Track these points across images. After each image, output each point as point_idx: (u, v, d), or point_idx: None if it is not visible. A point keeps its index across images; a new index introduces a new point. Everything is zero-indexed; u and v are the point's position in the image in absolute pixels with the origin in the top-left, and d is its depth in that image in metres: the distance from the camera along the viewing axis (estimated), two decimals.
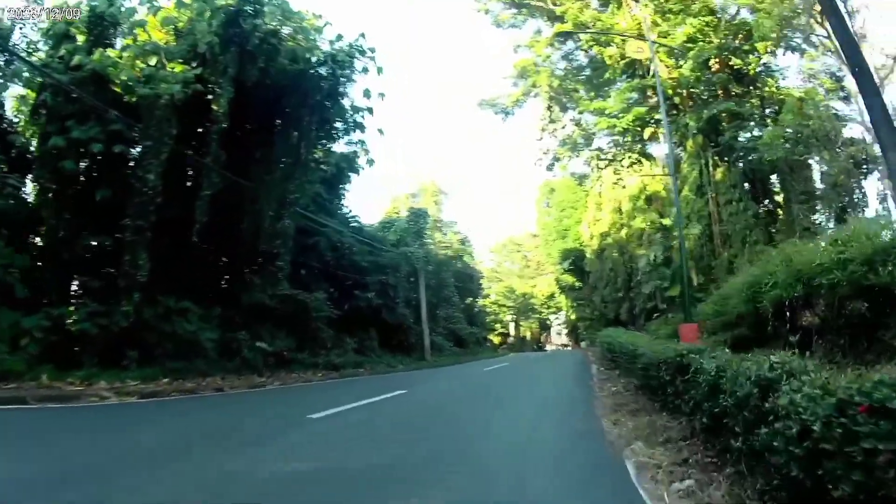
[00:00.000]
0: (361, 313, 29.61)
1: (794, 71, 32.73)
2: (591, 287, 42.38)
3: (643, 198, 35.29)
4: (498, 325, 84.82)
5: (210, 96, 15.39)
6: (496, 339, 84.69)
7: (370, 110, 20.87)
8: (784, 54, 28.65)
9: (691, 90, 28.00)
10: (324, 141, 21.85)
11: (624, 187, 37.06)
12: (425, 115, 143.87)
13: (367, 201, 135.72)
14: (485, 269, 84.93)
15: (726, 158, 26.43)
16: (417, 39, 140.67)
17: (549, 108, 44.77)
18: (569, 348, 77.28)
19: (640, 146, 40.19)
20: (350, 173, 31.34)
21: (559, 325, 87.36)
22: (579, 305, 50.41)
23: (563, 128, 44.61)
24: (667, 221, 27.50)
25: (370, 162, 21.21)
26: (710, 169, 27.70)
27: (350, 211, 32.67)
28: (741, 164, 26.82)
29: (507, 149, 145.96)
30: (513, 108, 41.31)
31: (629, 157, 39.21)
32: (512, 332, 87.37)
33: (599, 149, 44.30)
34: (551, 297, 78.38)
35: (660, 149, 38.10)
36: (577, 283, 50.55)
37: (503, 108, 41.61)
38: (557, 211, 51.25)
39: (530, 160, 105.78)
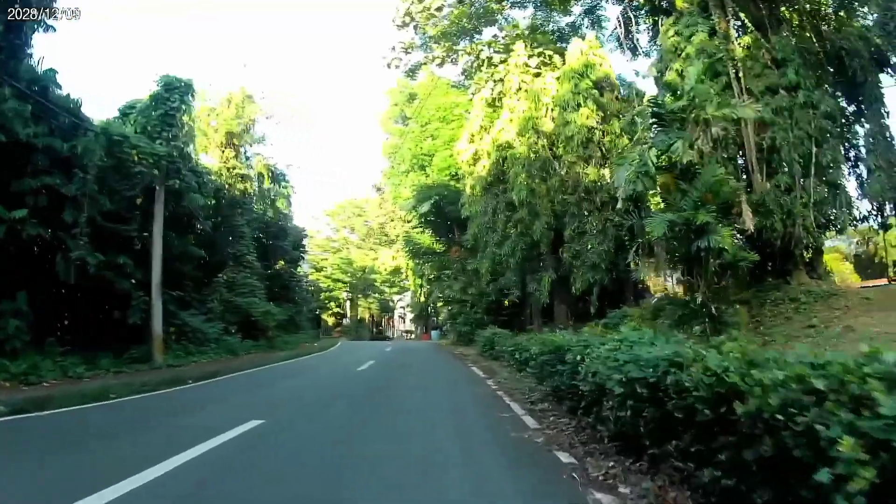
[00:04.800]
0: None
1: None
2: (468, 245, 27.82)
3: (590, 79, 21.61)
4: (333, 304, 69.29)
5: None
6: (330, 320, 69.55)
7: None
8: None
9: None
10: None
11: (550, 68, 23.39)
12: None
13: None
14: (320, 240, 68.62)
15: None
16: None
17: None
18: (412, 337, 63.70)
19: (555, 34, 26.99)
20: None
21: (404, 307, 73.70)
22: (440, 279, 35.51)
23: (440, 10, 30.03)
24: (673, 100, 13.82)
25: None
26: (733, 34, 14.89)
27: (40, 62, 15.58)
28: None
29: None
30: None
31: (537, 53, 25.65)
32: (348, 312, 72.15)
33: (494, 36, 30.55)
34: (396, 272, 64.13)
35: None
36: (437, 245, 35.62)
37: None
38: (419, 127, 34.96)
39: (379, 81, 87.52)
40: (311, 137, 75.49)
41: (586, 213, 20.82)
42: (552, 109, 22.97)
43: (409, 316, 69.48)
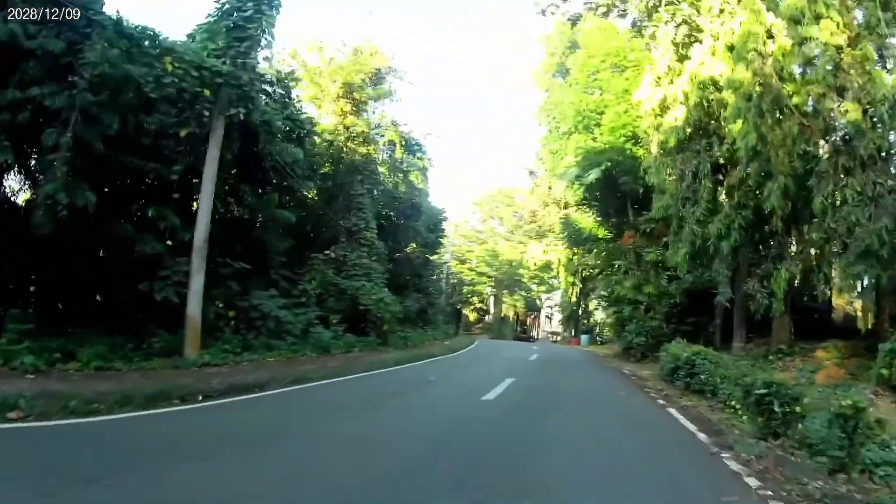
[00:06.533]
0: None
1: None
2: (647, 229, 19.99)
3: None
4: (476, 299, 64.25)
5: None
6: (472, 316, 64.51)
7: None
8: None
9: None
10: None
11: None
12: None
13: None
14: (465, 231, 63.51)
15: None
16: None
17: None
18: (559, 339, 56.10)
19: None
20: None
21: (551, 307, 66.31)
22: (605, 274, 27.57)
23: None
24: None
25: None
26: None
27: None
28: None
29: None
30: None
31: None
32: (492, 308, 66.58)
33: None
34: (545, 267, 56.79)
35: None
36: (601, 230, 27.84)
37: None
38: (585, 77, 27.18)
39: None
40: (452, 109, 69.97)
41: (844, 173, 12.55)
42: (771, 39, 14.78)
43: (557, 317, 62.08)
